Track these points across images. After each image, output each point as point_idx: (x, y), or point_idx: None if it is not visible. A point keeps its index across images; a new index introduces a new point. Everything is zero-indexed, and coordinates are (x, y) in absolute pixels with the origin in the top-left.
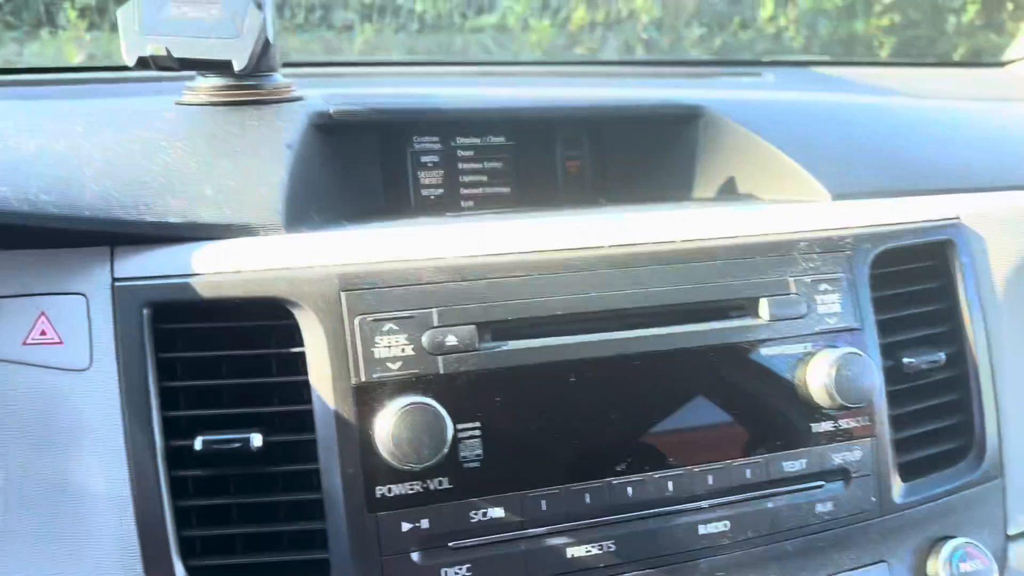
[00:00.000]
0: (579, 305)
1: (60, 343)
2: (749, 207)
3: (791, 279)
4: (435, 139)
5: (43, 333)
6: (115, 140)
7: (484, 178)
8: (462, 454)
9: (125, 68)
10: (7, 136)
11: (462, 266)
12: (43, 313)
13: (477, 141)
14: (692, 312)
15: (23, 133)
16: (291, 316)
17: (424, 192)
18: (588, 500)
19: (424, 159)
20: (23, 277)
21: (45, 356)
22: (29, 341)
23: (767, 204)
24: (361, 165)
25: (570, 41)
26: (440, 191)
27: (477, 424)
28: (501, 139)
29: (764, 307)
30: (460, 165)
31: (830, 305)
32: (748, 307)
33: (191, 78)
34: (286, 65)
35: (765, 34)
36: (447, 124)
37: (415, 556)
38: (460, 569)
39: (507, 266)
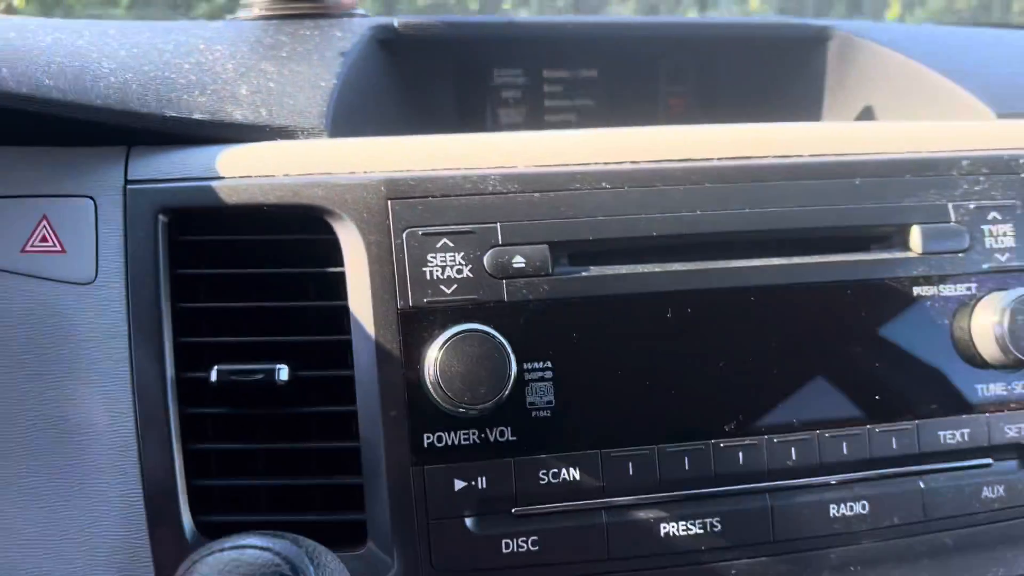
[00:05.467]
0: (680, 226)
1: (62, 251)
2: (896, 123)
3: (950, 205)
4: (518, 71)
5: (44, 239)
6: (147, 41)
7: (572, 117)
8: (529, 399)
9: None
10: (24, 31)
11: (535, 175)
12: (45, 217)
13: (566, 75)
14: (824, 240)
15: (44, 29)
16: (330, 230)
17: (503, 132)
18: (687, 466)
19: (505, 94)
20: (25, 176)
21: (45, 266)
22: (28, 248)
23: (918, 122)
24: (432, 96)
25: None
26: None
27: (548, 364)
28: (593, 72)
29: (916, 237)
30: (546, 102)
31: (1000, 238)
32: (895, 237)
33: None
34: None
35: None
36: (532, 54)
37: (469, 522)
38: (525, 542)
39: (591, 177)
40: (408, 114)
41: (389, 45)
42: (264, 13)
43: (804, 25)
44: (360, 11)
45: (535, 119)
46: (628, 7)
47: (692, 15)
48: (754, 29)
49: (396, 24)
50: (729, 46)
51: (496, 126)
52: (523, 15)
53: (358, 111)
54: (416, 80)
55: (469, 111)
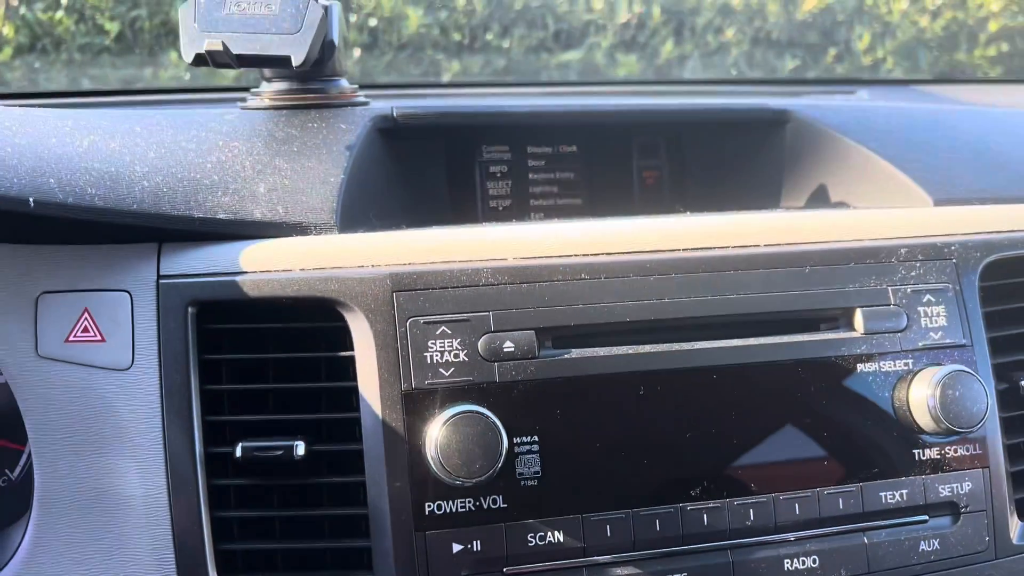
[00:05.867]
0: (650, 312)
1: (102, 341)
2: (842, 212)
3: (889, 289)
4: (504, 148)
5: (86, 330)
6: (171, 139)
7: (555, 189)
8: (518, 470)
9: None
10: (62, 133)
11: (522, 268)
12: (86, 310)
13: (548, 150)
14: (778, 323)
15: (79, 131)
16: (341, 318)
17: (492, 203)
18: (658, 527)
19: (493, 169)
20: (68, 272)
21: (87, 354)
22: (72, 338)
23: (862, 209)
24: (427, 174)
25: (658, 75)
26: (508, 202)
27: (535, 438)
28: (573, 148)
29: (859, 319)
30: (530, 175)
31: (934, 318)
32: (841, 319)
33: None
34: (367, 87)
35: (862, 66)
36: (517, 132)
37: None
38: None
39: (571, 268)
40: (406, 189)
41: (388, 132)
42: (274, 103)
43: (763, 109)
44: (361, 98)
45: (520, 190)
46: (607, 39)
47: (668, 47)
48: (716, 114)
49: (395, 114)
50: (695, 126)
51: (485, 197)
52: (506, 44)
53: (362, 198)
54: (412, 158)
55: (460, 184)
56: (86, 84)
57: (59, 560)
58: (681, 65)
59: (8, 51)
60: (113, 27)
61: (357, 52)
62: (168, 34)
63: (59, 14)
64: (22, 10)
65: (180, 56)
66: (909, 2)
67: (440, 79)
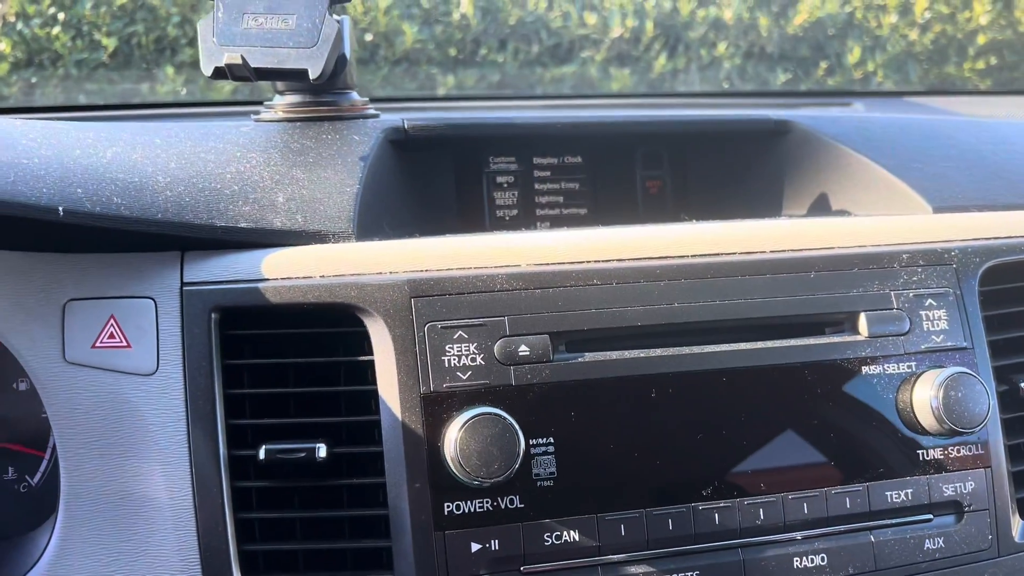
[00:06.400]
0: (661, 317)
1: (128, 347)
2: (844, 219)
3: (892, 294)
4: (511, 159)
5: (111, 336)
6: (191, 151)
7: (560, 199)
8: (535, 471)
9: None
10: (85, 145)
11: (536, 274)
12: (112, 316)
13: (554, 161)
14: (784, 327)
15: (102, 143)
16: (361, 324)
17: (499, 212)
18: (671, 526)
19: (500, 179)
20: (95, 280)
21: (113, 359)
22: (98, 344)
23: (863, 216)
24: (436, 183)
25: (651, 88)
26: (515, 212)
27: (550, 439)
28: (578, 159)
29: (863, 323)
30: (536, 185)
31: (936, 322)
32: (846, 323)
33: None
34: (372, 101)
35: (853, 79)
36: (523, 144)
37: None
38: None
39: (584, 275)
40: (416, 199)
41: (398, 143)
42: (287, 116)
43: (764, 119)
44: (371, 110)
45: (526, 199)
46: (600, 54)
47: (661, 61)
48: (718, 125)
49: (406, 126)
50: (697, 137)
51: (492, 206)
52: (501, 59)
53: (377, 207)
54: (422, 168)
55: (468, 194)
56: (82, 99)
57: (85, 562)
58: (674, 79)
59: (5, 66)
60: (110, 43)
61: None
62: (165, 50)
63: (56, 29)
64: (19, 25)
65: (177, 71)
66: (898, 16)
67: (435, 93)
